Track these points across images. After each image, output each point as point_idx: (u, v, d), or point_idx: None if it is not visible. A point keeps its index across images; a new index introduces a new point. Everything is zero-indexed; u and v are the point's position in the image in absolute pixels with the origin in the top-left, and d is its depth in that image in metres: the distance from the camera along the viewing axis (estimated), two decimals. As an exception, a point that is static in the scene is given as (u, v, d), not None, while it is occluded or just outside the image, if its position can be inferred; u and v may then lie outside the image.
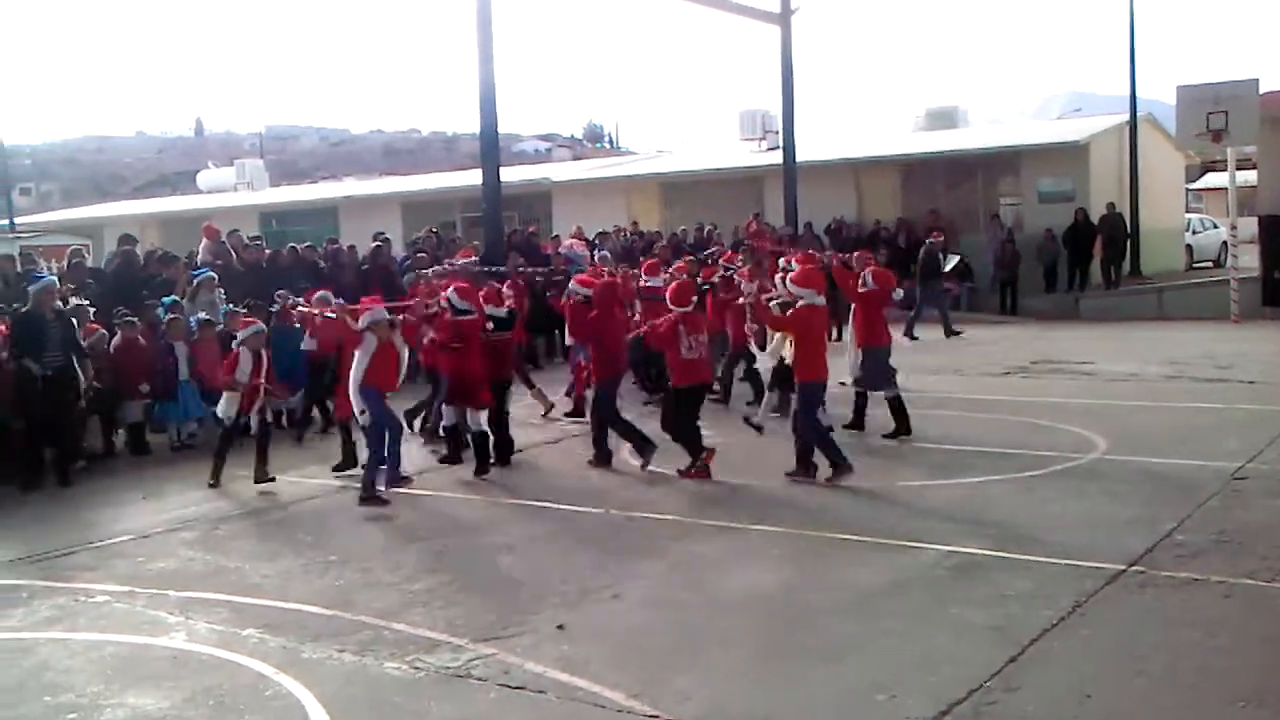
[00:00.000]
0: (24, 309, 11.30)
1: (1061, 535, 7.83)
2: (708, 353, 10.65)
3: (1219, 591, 6.68)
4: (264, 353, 10.76)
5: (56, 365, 11.10)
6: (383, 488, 9.83)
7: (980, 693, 5.40)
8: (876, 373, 11.54)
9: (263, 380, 10.67)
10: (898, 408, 11.42)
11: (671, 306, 10.24)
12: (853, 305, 11.63)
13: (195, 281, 14.29)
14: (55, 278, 12.07)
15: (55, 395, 11.13)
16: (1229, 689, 5.39)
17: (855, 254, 13.04)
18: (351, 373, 9.78)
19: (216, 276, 14.64)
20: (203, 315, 13.29)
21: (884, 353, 11.64)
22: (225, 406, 10.64)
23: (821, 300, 9.93)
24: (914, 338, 19.96)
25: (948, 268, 21.52)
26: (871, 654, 5.99)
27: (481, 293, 11.16)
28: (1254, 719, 5.12)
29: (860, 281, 11.67)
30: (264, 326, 11.01)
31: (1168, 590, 6.75)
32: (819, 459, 9.74)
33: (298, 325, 12.28)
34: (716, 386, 12.92)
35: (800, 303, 9.85)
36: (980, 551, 7.58)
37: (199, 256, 16.94)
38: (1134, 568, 7.10)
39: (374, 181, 47.87)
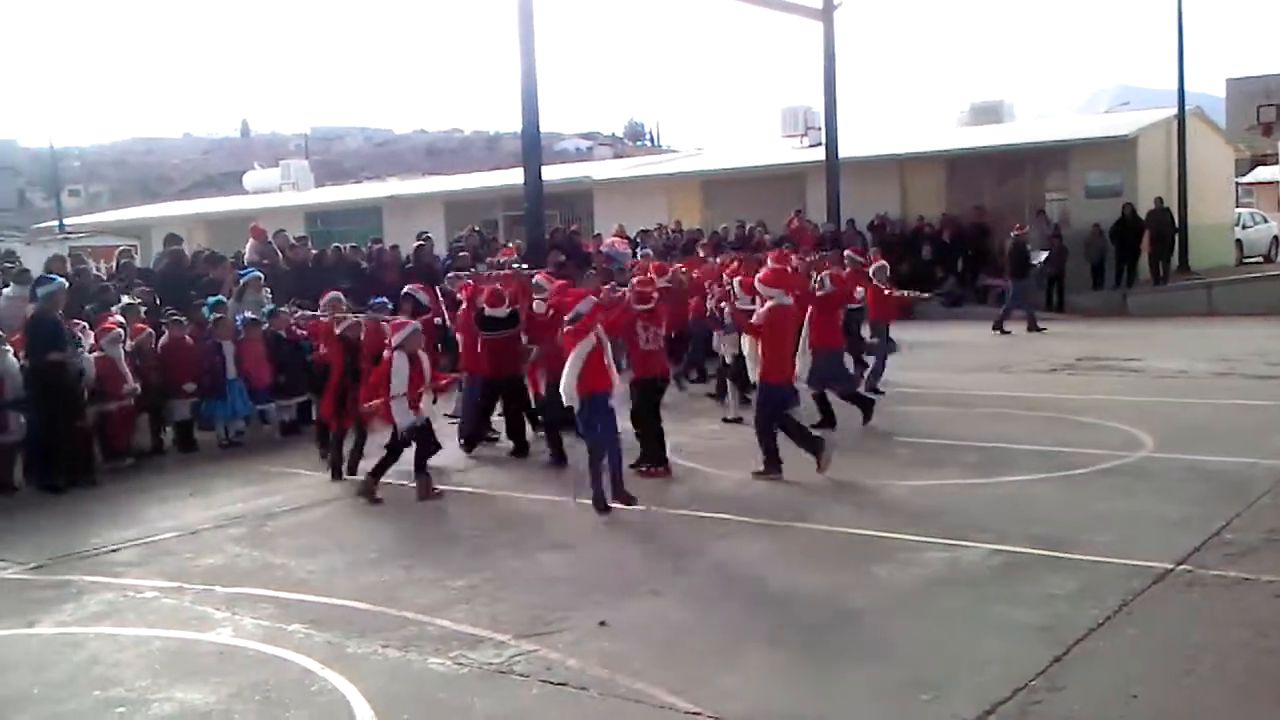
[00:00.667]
0: (34, 312, 11.29)
1: (1108, 534, 7.74)
2: (664, 346, 10.72)
3: (1269, 591, 6.58)
4: (423, 355, 10.03)
5: (77, 366, 11.24)
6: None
7: (1025, 692, 5.36)
8: (826, 371, 11.57)
9: (426, 385, 10.04)
10: (825, 405, 11.83)
11: (634, 305, 10.29)
12: (809, 307, 11.44)
13: (242, 281, 14.46)
14: (65, 281, 11.87)
15: (76, 393, 11.27)
16: (1279, 690, 5.31)
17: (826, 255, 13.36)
18: (564, 384, 8.93)
19: (263, 276, 14.80)
20: (249, 314, 13.45)
21: (837, 355, 11.90)
22: (402, 417, 9.67)
23: (789, 300, 10.01)
24: (1040, 328, 20.03)
25: (1038, 260, 21.48)
26: (915, 653, 5.95)
27: (484, 294, 11.32)
28: (1306, 721, 5.04)
29: (819, 284, 11.83)
30: (418, 325, 10.17)
31: (1216, 589, 6.66)
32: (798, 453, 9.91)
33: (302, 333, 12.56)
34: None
35: (769, 303, 9.89)
36: (1026, 550, 7.51)
37: (246, 256, 17.13)
38: (1182, 567, 7.01)
39: (417, 181, 48.13)
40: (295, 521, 9.49)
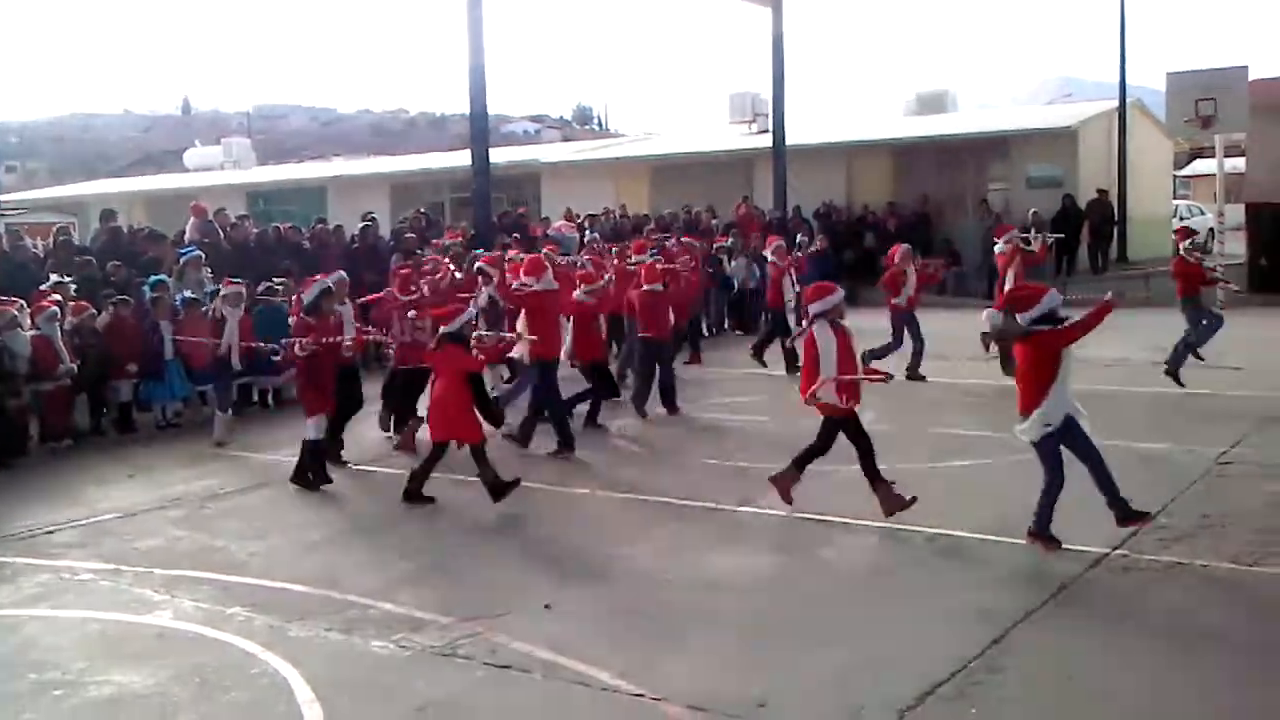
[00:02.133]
0: None
1: (1046, 519, 7.84)
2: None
3: (1202, 575, 6.73)
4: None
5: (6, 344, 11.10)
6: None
7: (964, 674, 5.44)
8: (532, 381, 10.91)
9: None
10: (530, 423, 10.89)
11: (396, 295, 11.11)
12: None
13: (182, 260, 14.23)
14: None
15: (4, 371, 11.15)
16: (1211, 672, 5.44)
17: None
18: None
19: (204, 255, 14.58)
20: (189, 294, 13.25)
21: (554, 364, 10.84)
22: (828, 397, 7.91)
23: (549, 286, 10.67)
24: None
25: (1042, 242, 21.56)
26: (859, 635, 6.02)
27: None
28: (1235, 701, 5.16)
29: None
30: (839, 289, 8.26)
31: (1151, 574, 6.80)
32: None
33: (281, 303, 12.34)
34: None
35: (534, 287, 10.58)
36: (967, 534, 7.62)
37: (187, 235, 16.87)
38: (1118, 551, 7.15)
39: (362, 161, 47.61)
40: (235, 504, 9.39)
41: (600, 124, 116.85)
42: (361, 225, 18.07)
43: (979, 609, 6.29)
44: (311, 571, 7.41)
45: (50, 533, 8.65)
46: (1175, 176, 36.47)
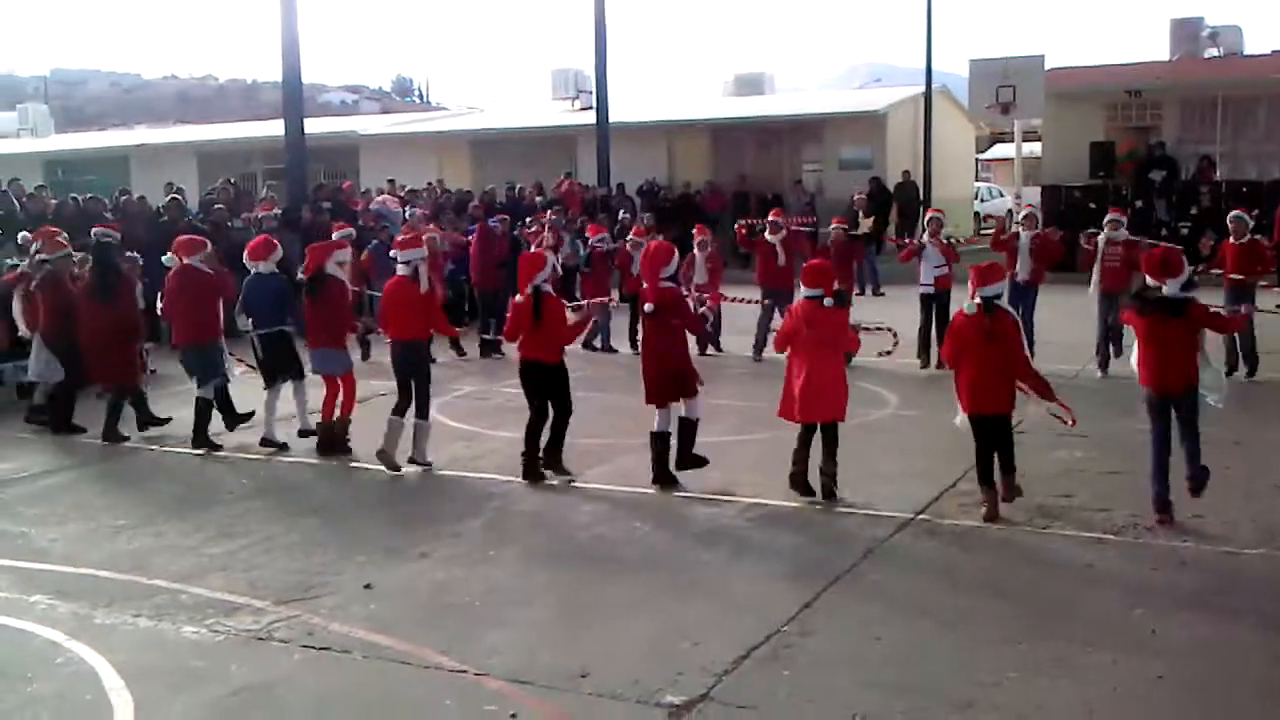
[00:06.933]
0: None
1: (856, 486, 8.15)
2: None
3: (997, 539, 7.14)
4: None
5: None
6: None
7: (778, 637, 5.65)
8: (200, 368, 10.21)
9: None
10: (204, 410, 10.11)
11: None
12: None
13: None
14: None
15: None
16: (1007, 630, 5.77)
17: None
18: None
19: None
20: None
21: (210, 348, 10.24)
22: None
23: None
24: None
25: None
26: (678, 604, 6.17)
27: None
28: (1026, 658, 5.49)
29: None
30: None
31: (951, 537, 7.17)
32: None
33: None
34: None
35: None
36: (781, 503, 7.86)
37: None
38: (920, 517, 7.51)
39: (168, 130, 45.62)
40: (35, 488, 8.94)
41: (421, 97, 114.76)
42: (169, 198, 17.34)
43: (791, 574, 6.53)
44: (118, 557, 7.14)
45: None
46: (977, 160, 38.13)
